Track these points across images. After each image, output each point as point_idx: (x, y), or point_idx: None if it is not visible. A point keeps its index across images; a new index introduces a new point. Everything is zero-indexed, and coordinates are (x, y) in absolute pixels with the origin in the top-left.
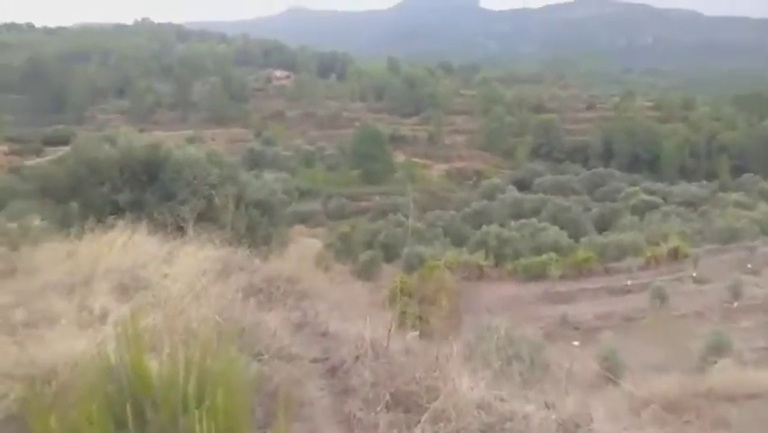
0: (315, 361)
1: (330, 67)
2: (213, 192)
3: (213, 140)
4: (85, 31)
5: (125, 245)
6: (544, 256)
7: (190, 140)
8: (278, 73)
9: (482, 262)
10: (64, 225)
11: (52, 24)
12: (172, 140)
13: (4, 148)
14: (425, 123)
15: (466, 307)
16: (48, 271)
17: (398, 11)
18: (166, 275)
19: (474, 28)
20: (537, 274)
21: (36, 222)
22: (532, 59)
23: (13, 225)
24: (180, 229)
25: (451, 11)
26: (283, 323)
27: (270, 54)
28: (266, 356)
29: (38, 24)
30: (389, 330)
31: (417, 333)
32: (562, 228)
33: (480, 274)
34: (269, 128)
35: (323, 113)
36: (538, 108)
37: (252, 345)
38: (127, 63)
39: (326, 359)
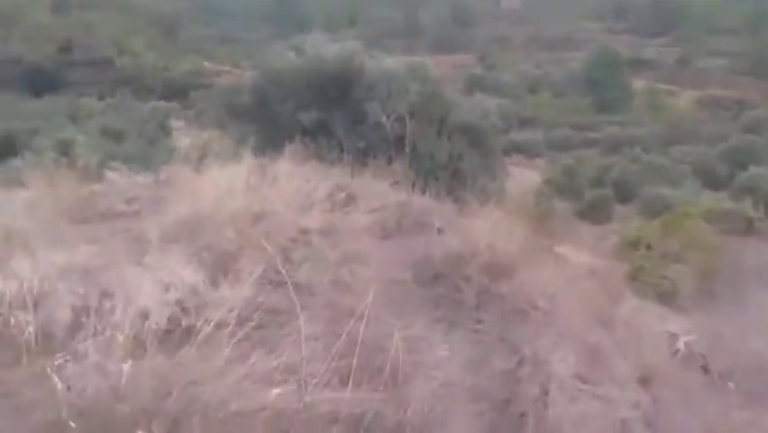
0: None
1: None
2: (410, 113)
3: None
4: None
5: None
6: None
7: None
8: None
9: (751, 214)
10: (242, 147)
11: None
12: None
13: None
14: (676, 44)
15: (727, 270)
16: (169, 212)
17: None
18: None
19: None
20: None
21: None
22: None
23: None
24: (365, 159)
25: None
26: (470, 391)
27: None
28: None
29: None
30: None
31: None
32: None
33: (747, 229)
34: (494, 52)
35: (552, 34)
36: None
37: None
38: None
39: None
